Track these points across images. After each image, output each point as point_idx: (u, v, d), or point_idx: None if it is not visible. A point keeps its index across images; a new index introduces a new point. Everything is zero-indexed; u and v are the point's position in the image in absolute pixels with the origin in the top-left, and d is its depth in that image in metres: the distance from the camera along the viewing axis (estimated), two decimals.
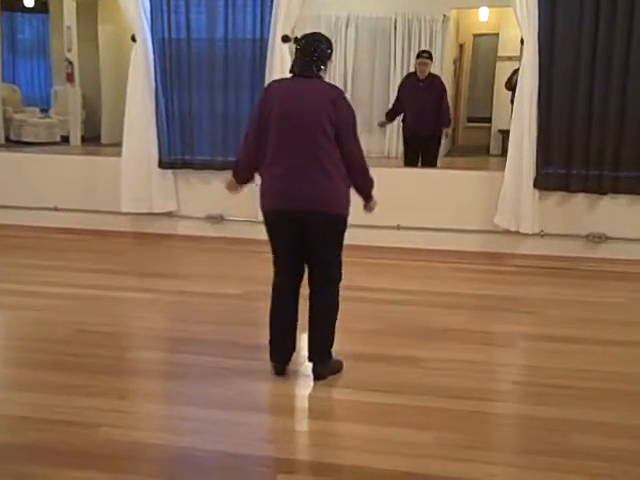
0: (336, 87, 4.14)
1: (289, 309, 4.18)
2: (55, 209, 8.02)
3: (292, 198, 3.96)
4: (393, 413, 3.86)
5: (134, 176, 7.50)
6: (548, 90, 6.72)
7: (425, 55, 8.70)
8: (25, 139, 12.00)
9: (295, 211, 3.97)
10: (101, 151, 10.87)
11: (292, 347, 4.25)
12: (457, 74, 13.39)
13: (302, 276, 4.20)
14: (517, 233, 6.97)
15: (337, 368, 4.30)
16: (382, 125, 9.82)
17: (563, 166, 6.82)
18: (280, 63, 6.98)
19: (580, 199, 6.95)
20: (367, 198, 4.21)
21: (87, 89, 12.28)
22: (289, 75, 4.14)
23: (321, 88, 4.02)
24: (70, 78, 11.46)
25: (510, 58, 11.58)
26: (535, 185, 6.84)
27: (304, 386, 4.24)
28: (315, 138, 3.89)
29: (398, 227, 7.34)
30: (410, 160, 8.85)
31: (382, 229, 7.27)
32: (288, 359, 4.26)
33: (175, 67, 7.39)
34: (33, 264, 6.86)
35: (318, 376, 4.21)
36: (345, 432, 3.71)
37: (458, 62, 13.39)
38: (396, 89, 9.45)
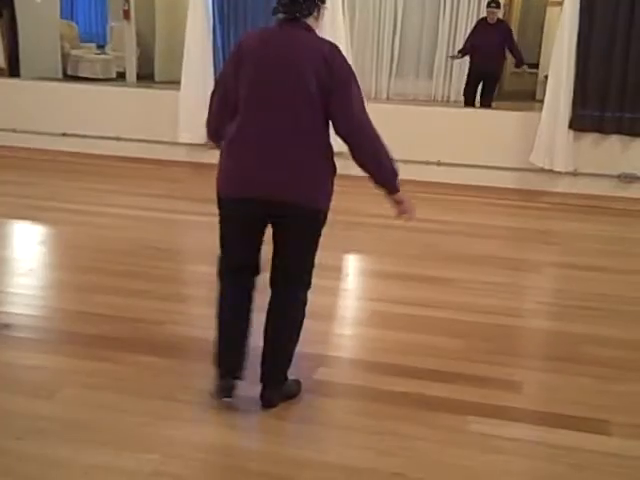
0: (329, 41, 3.08)
1: (240, 320, 3.26)
2: (117, 139, 8.51)
3: (265, 183, 3.00)
4: (428, 324, 4.27)
5: (192, 109, 7.77)
6: (588, 33, 6.99)
7: (493, 5, 9.44)
8: (82, 74, 12.08)
9: (267, 201, 3.01)
10: (155, 88, 11.05)
11: (242, 363, 3.25)
12: (506, 19, 13.33)
13: (257, 276, 3.28)
14: (551, 171, 7.31)
15: (292, 392, 3.36)
16: (453, 58, 10.15)
17: (598, 108, 7.11)
18: None
19: (614, 140, 7.24)
20: (391, 188, 3.12)
21: (142, 26, 12.19)
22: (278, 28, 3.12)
23: (310, 42, 3.03)
24: (126, 15, 11.56)
25: (561, 3, 11.50)
26: (570, 126, 7.16)
27: (344, 297, 4.62)
28: (300, 108, 2.97)
29: (438, 163, 7.70)
30: (469, 93, 9.58)
31: (424, 164, 7.65)
32: (237, 376, 3.25)
33: (232, 3, 7.69)
34: (96, 188, 7.32)
35: (267, 403, 3.26)
36: (383, 337, 4.10)
37: (507, 6, 13.33)
38: (445, 34, 10.64)
